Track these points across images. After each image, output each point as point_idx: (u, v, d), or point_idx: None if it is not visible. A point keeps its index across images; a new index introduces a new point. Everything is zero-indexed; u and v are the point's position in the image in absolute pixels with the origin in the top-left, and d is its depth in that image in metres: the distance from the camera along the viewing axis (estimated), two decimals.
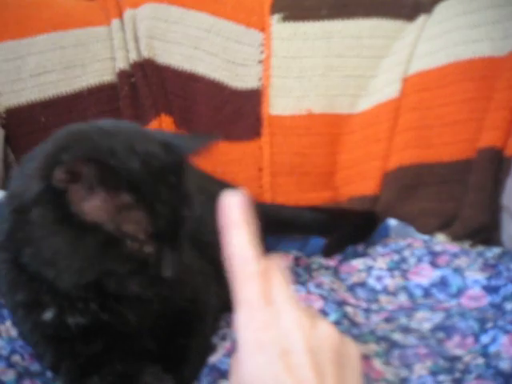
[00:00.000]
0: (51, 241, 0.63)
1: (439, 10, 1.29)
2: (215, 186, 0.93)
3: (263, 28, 1.34)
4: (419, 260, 0.99)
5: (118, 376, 0.69)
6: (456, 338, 0.78)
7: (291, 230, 1.17)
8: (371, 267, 1.01)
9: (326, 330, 0.50)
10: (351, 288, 0.98)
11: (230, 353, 0.76)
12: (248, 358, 0.50)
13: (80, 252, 0.63)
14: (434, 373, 0.69)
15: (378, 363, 0.73)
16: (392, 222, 1.17)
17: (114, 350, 0.71)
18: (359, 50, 1.31)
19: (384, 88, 1.29)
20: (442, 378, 0.68)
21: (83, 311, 0.69)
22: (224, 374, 0.71)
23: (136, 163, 0.63)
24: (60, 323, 0.69)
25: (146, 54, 1.34)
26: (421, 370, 0.70)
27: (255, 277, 0.50)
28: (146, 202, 0.63)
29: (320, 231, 1.16)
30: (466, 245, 1.09)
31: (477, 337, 0.77)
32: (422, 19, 1.29)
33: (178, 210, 0.66)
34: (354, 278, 1.00)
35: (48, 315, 0.69)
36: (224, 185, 0.99)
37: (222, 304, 0.82)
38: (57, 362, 0.72)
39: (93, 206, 0.61)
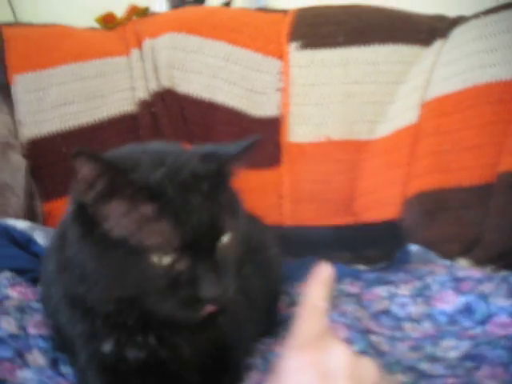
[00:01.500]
0: (80, 257, 0.64)
1: (455, 34, 1.30)
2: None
3: (281, 56, 1.35)
4: (442, 286, 0.98)
5: None
6: (486, 368, 0.77)
7: (314, 250, 1.17)
8: (394, 294, 1.00)
9: (369, 366, 0.54)
10: (375, 316, 0.97)
11: (260, 382, 0.76)
12: (288, 381, 0.52)
13: (105, 267, 0.62)
14: None
15: None
16: (413, 248, 1.16)
17: None
18: (376, 77, 1.33)
19: (402, 114, 1.30)
20: None
21: (142, 345, 0.69)
22: None
23: (160, 174, 0.62)
24: (119, 356, 0.69)
25: (165, 83, 1.36)
26: None
27: (316, 318, 0.56)
28: (169, 212, 0.60)
29: (343, 247, 1.15)
30: (489, 270, 1.08)
31: (507, 367, 0.76)
32: (438, 44, 1.31)
33: (212, 219, 0.62)
34: (378, 306, 0.99)
35: (107, 347, 0.70)
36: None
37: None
38: None
39: (115, 219, 0.61)
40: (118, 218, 0.61)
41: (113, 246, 0.61)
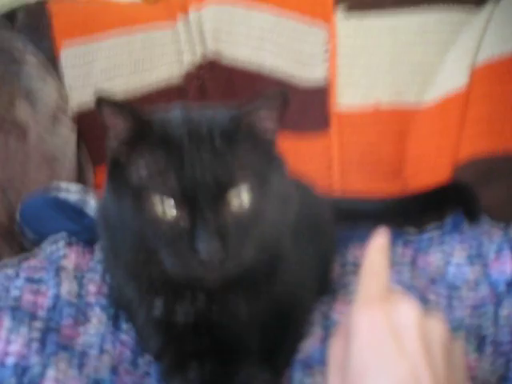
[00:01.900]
0: (111, 209, 0.67)
1: None
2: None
3: (328, 21, 1.33)
4: (499, 249, 0.96)
5: (217, 365, 0.69)
6: None
7: (364, 221, 1.16)
8: (449, 259, 0.99)
9: (438, 325, 0.54)
10: (431, 281, 0.96)
11: (322, 340, 0.76)
12: (360, 339, 0.52)
13: (124, 214, 0.64)
14: None
15: (470, 358, 0.71)
16: None
17: (218, 345, 0.70)
18: (425, 44, 1.30)
19: (452, 79, 1.27)
20: None
21: (191, 306, 0.69)
22: (315, 360, 0.71)
23: (182, 128, 0.63)
24: (169, 317, 0.70)
25: (211, 55, 1.36)
26: None
27: (380, 277, 0.57)
28: (177, 164, 0.61)
29: (392, 219, 1.14)
30: None
31: None
32: (489, 7, 1.27)
33: (219, 177, 0.61)
34: (433, 272, 0.98)
35: (158, 307, 0.71)
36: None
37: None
38: (161, 349, 0.73)
39: (135, 166, 0.63)
40: (138, 166, 0.63)
41: (131, 194, 0.63)
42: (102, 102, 0.62)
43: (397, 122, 1.29)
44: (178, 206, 0.61)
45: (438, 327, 0.54)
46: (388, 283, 0.59)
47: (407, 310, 0.54)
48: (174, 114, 0.67)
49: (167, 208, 0.61)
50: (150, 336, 0.75)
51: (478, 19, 1.26)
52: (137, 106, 0.65)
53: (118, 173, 0.65)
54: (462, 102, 1.24)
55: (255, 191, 0.64)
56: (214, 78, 1.35)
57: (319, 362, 0.71)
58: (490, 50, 1.23)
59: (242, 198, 0.63)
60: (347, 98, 1.31)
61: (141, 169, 0.63)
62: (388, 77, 1.30)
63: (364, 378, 0.51)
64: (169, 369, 0.72)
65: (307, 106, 1.31)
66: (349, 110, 1.31)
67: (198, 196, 0.60)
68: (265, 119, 0.66)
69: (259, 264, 0.67)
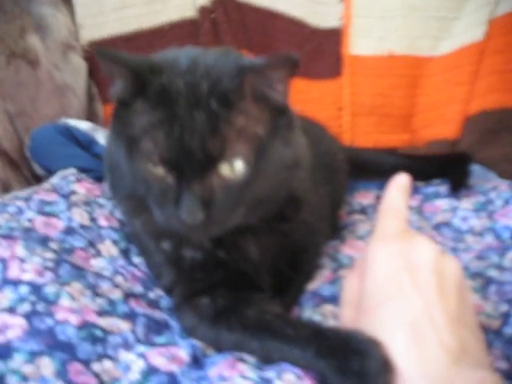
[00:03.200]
0: (112, 147, 0.67)
1: None
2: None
3: None
4: (506, 202, 0.97)
5: (228, 299, 0.70)
6: None
7: (371, 174, 1.16)
8: (456, 207, 1.00)
9: (453, 264, 0.56)
10: (436, 227, 0.97)
11: (330, 280, 0.77)
12: (376, 272, 0.54)
13: (119, 158, 0.64)
14: None
15: (475, 298, 0.73)
16: (473, 167, 1.15)
17: (229, 280, 0.71)
18: None
19: (468, 30, 1.26)
20: None
21: (198, 246, 0.70)
22: (325, 298, 0.73)
23: (181, 83, 0.60)
24: (177, 255, 0.72)
25: None
26: None
27: (399, 215, 0.60)
28: (169, 122, 0.59)
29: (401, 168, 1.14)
30: None
31: None
32: None
33: (208, 142, 0.58)
34: (439, 218, 0.99)
35: (166, 245, 0.72)
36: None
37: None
38: (173, 283, 0.74)
39: (133, 117, 0.62)
40: (136, 116, 0.61)
41: (126, 142, 0.62)
42: (100, 55, 0.61)
43: (410, 69, 1.28)
44: (164, 165, 0.60)
45: (452, 266, 0.56)
46: (406, 221, 0.60)
47: (424, 248, 0.56)
48: (180, 60, 0.64)
49: (155, 164, 0.60)
50: (161, 270, 0.76)
51: None
52: (139, 55, 0.63)
53: (121, 115, 0.64)
54: (477, 53, 1.23)
55: (251, 160, 0.60)
56: (227, 13, 1.32)
57: (328, 298, 0.72)
58: (510, 4, 1.21)
59: (234, 167, 0.60)
60: (361, 41, 1.29)
61: (136, 122, 0.61)
62: (403, 25, 1.28)
63: (378, 310, 0.53)
64: (180, 302, 0.73)
65: (321, 49, 1.30)
66: (362, 54, 1.29)
67: (184, 163, 0.58)
68: (272, 82, 0.61)
69: (267, 211, 0.67)
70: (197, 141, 0.58)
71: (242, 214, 0.62)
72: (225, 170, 0.60)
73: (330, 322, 0.68)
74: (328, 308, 0.71)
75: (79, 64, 1.23)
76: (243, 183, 0.61)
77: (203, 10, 1.32)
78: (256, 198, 0.63)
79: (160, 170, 0.60)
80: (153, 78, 0.61)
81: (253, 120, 0.61)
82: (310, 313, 0.71)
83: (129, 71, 0.61)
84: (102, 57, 0.61)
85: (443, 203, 1.03)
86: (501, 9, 1.22)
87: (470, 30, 1.26)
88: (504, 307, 0.70)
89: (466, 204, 1.00)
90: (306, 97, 1.26)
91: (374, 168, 1.17)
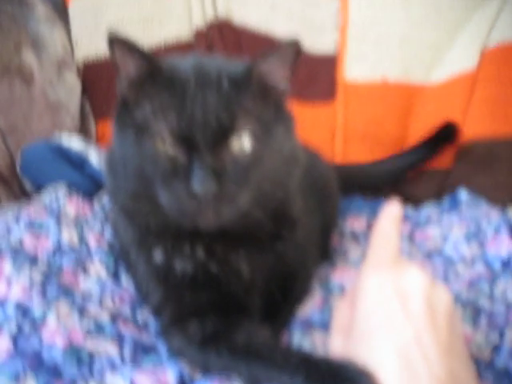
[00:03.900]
0: (116, 148, 0.68)
1: None
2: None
3: None
4: (497, 231, 0.97)
5: (217, 323, 0.69)
6: None
7: (365, 185, 1.17)
8: (447, 235, 1.00)
9: (444, 294, 0.56)
10: (427, 255, 0.97)
11: (321, 304, 0.77)
12: (368, 301, 0.54)
13: (127, 152, 0.65)
14: None
15: (466, 328, 0.72)
16: (463, 194, 1.16)
17: (218, 301, 0.71)
18: (437, 21, 1.30)
19: (461, 59, 1.27)
20: None
21: (190, 257, 0.70)
22: (314, 325, 0.72)
23: (190, 70, 0.64)
24: (169, 267, 0.70)
25: (222, 14, 1.34)
26: None
27: (391, 243, 0.59)
28: (180, 102, 0.62)
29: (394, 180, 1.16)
30: None
31: None
32: None
33: (222, 118, 0.62)
34: (430, 246, 0.99)
35: (158, 256, 0.71)
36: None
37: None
38: (161, 303, 0.73)
39: (141, 103, 0.64)
40: (144, 104, 0.63)
41: (134, 131, 0.64)
42: (114, 40, 0.63)
43: (403, 97, 1.29)
44: (176, 143, 0.62)
45: (443, 296, 0.56)
46: (398, 250, 0.60)
47: (415, 277, 0.55)
48: (186, 60, 0.68)
49: (166, 144, 0.62)
50: (149, 288, 0.75)
51: (492, 2, 1.26)
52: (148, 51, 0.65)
53: (124, 113, 0.66)
54: (469, 82, 1.25)
55: (258, 138, 0.64)
56: (223, 37, 1.33)
57: (318, 325, 0.72)
58: (502, 35, 1.23)
59: (242, 142, 0.63)
60: (356, 67, 1.30)
61: (146, 106, 0.63)
62: (397, 53, 1.30)
63: (369, 338, 0.53)
64: (168, 324, 0.72)
65: (315, 74, 1.31)
66: (356, 81, 1.30)
67: (196, 136, 0.61)
68: (277, 69, 0.66)
69: (262, 221, 0.67)
70: (209, 115, 0.61)
71: (249, 200, 0.64)
72: (235, 145, 0.63)
73: (319, 350, 0.67)
74: (317, 335, 0.70)
75: (73, 82, 1.23)
76: (251, 161, 0.64)
77: (199, 33, 1.33)
78: (261, 181, 0.65)
79: (170, 149, 0.62)
80: (163, 64, 0.64)
81: (259, 105, 0.65)
82: (299, 339, 0.70)
83: (141, 56, 0.63)
84: (118, 42, 0.63)
85: (434, 231, 1.02)
86: (493, 39, 1.24)
87: (462, 60, 1.27)
88: (495, 338, 0.70)
89: (458, 232, 1.00)
90: (299, 120, 1.26)
91: (363, 182, 1.18)
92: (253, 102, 0.64)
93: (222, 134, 0.62)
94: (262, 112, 0.65)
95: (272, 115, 0.67)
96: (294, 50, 0.66)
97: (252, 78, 0.65)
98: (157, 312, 0.75)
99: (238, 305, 0.71)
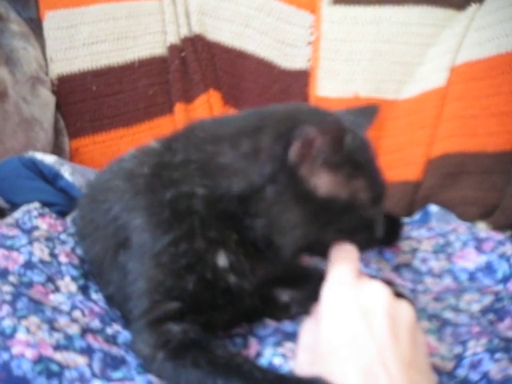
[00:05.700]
0: (285, 214, 0.66)
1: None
2: None
3: (313, 10, 1.35)
4: (464, 244, 0.99)
5: (200, 334, 0.69)
6: (508, 321, 0.78)
7: None
8: (416, 249, 1.02)
9: (406, 308, 0.57)
10: (396, 268, 0.99)
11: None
12: (329, 321, 0.54)
13: (316, 221, 0.66)
14: (489, 350, 0.69)
15: (431, 339, 0.74)
16: (433, 208, 1.18)
17: (211, 311, 0.72)
18: (408, 37, 1.33)
19: (431, 76, 1.30)
20: (498, 355, 0.68)
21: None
22: (287, 335, 0.72)
23: (356, 142, 0.67)
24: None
25: (196, 29, 1.36)
26: (475, 347, 0.71)
27: (351, 261, 0.61)
28: (366, 171, 0.68)
29: None
30: (508, 234, 1.09)
31: None
32: (472, 9, 1.30)
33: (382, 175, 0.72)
34: (399, 259, 1.01)
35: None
36: None
37: None
38: (152, 304, 0.72)
39: (325, 180, 0.65)
40: (329, 180, 0.65)
41: (323, 203, 0.66)
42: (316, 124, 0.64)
43: None
44: (370, 203, 0.69)
45: (405, 309, 0.57)
46: (358, 267, 0.61)
47: (377, 293, 0.57)
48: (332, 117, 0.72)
49: (363, 206, 0.69)
50: (142, 294, 0.73)
51: (460, 20, 1.29)
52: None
53: (296, 182, 0.66)
54: (439, 98, 1.27)
55: None
56: (197, 52, 1.35)
57: (291, 337, 0.72)
58: (469, 52, 1.26)
59: None
60: (328, 83, 1.33)
61: (330, 183, 0.66)
62: (368, 70, 1.32)
63: (333, 355, 0.54)
64: (144, 327, 0.71)
65: (288, 89, 1.33)
66: (328, 95, 1.32)
67: (381, 194, 0.72)
68: None
69: None
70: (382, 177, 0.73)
71: None
72: None
73: (291, 364, 0.68)
74: (289, 346, 0.70)
75: (47, 97, 1.24)
76: None
77: (173, 48, 1.34)
78: None
79: (369, 209, 0.69)
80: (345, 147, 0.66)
81: None
82: (270, 351, 0.70)
83: (337, 143, 0.66)
84: (319, 128, 0.64)
85: (403, 244, 1.04)
86: (461, 57, 1.27)
87: (432, 76, 1.30)
88: (458, 349, 0.72)
89: (426, 246, 1.02)
90: None
91: None
92: None
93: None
94: None
95: None
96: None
97: None
98: (136, 315, 0.73)
99: (229, 319, 0.73)
